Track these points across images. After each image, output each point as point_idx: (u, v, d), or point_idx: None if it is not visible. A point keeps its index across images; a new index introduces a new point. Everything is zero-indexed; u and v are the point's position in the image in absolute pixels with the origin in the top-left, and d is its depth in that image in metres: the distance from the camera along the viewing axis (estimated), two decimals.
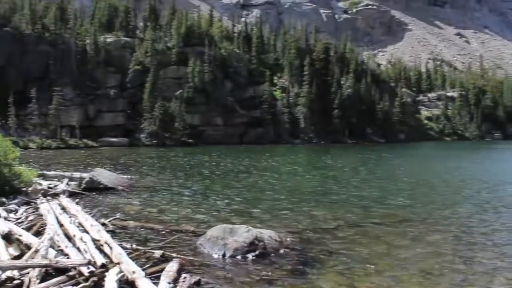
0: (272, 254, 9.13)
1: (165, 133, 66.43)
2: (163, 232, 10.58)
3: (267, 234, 9.75)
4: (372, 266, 8.47)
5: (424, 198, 17.28)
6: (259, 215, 13.09)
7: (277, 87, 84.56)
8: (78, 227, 9.52)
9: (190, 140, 67.42)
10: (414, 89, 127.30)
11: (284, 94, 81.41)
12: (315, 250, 9.57)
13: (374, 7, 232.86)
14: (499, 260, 8.90)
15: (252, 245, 9.19)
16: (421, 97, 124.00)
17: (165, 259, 8.18)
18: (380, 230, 11.42)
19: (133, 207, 13.92)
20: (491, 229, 11.58)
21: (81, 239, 8.35)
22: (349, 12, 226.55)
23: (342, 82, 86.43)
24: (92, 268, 6.81)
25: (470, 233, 11.15)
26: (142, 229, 10.80)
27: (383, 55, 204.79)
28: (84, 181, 17.47)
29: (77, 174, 19.62)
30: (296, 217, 12.86)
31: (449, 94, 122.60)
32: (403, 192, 18.44)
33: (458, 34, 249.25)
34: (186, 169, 28.21)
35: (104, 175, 18.57)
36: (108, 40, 75.55)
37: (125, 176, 21.33)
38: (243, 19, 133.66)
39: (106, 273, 6.80)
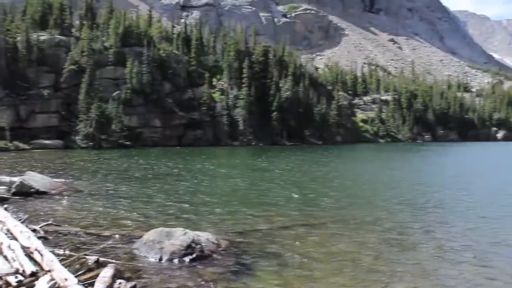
0: (209, 257, 9.16)
1: (101, 135, 64.60)
2: (98, 237, 10.38)
3: (204, 237, 9.76)
4: (306, 267, 8.69)
5: (355, 199, 17.82)
6: (196, 218, 13.06)
7: (216, 89, 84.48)
8: (6, 234, 9.14)
9: (128, 142, 65.99)
10: (350, 92, 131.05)
11: (223, 96, 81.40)
12: (252, 252, 9.68)
13: (313, 11, 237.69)
14: (424, 260, 9.36)
15: (189, 248, 9.17)
16: (356, 100, 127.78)
17: (100, 265, 8.01)
18: (313, 231, 11.68)
19: (66, 212, 13.53)
20: (421, 229, 12.13)
21: (9, 246, 8.00)
22: (288, 16, 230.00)
23: (280, 85, 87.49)
24: (20, 277, 6.57)
25: (399, 233, 11.64)
26: (76, 235, 10.53)
27: (321, 58, 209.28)
28: (14, 186, 16.76)
29: (6, 178, 18.74)
30: (232, 220, 12.96)
31: (383, 97, 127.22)
32: (335, 194, 18.95)
33: (391, 40, 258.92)
34: (121, 172, 27.64)
35: (36, 179, 17.88)
36: (42, 38, 72.51)
37: (59, 180, 20.60)
38: (182, 20, 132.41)
39: (35, 282, 6.57)
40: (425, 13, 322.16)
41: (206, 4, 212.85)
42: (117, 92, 70.53)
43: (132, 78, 72.34)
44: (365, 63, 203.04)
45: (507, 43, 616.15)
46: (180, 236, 9.44)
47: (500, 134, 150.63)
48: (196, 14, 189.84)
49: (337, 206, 15.72)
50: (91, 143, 62.94)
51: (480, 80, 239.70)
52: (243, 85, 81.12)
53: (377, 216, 13.84)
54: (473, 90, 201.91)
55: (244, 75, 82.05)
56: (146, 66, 74.04)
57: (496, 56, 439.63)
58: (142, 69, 73.37)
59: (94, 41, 74.55)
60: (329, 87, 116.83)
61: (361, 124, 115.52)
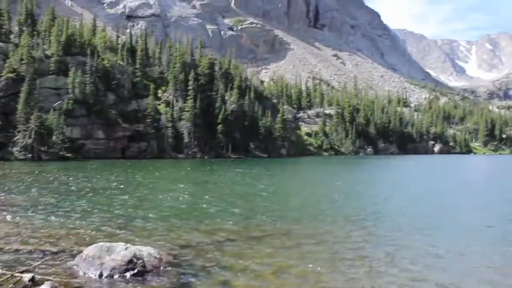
0: (152, 272, 9.05)
1: (41, 146, 62.35)
2: (35, 253, 10.08)
3: (146, 251, 9.62)
4: (251, 281, 8.76)
5: (298, 212, 18.11)
6: (138, 233, 12.89)
7: (161, 101, 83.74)
8: None
9: (69, 154, 64.07)
10: (295, 106, 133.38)
11: (168, 108, 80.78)
12: (195, 266, 9.66)
13: (259, 25, 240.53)
14: (369, 271, 9.69)
15: (130, 263, 9.01)
16: (301, 114, 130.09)
17: (36, 283, 7.79)
18: (257, 245, 11.76)
19: (1, 227, 13.06)
20: (355, 241, 12.52)
21: None
22: (235, 29, 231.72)
23: (226, 97, 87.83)
24: None
25: (343, 245, 11.97)
26: (10, 251, 10.19)
27: (266, 72, 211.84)
28: None
29: None
30: (175, 234, 12.86)
31: (327, 111, 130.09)
32: (278, 207, 19.21)
33: (335, 55, 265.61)
34: (60, 185, 26.84)
35: None
36: None
37: None
38: (128, 30, 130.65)
39: None
40: (367, 30, 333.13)
41: (152, 15, 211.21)
42: (58, 102, 68.52)
43: (75, 88, 70.49)
44: (309, 77, 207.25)
45: (441, 61, 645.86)
46: (121, 251, 9.27)
47: (436, 148, 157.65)
48: (141, 24, 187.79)
49: (280, 219, 15.88)
50: (30, 155, 60.59)
51: (418, 96, 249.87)
52: (189, 97, 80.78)
53: (321, 229, 14.08)
54: (412, 105, 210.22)
55: (190, 87, 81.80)
56: (89, 76, 72.40)
57: (432, 73, 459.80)
58: (85, 79, 71.64)
59: (34, 48, 72.18)
60: (274, 101, 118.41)
61: (305, 137, 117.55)
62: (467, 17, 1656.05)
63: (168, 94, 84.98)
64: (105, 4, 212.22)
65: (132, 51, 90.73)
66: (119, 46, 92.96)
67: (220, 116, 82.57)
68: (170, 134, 77.23)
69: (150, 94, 79.25)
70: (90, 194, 22.31)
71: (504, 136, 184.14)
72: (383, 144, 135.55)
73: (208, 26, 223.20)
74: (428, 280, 9.08)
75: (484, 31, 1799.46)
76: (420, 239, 12.86)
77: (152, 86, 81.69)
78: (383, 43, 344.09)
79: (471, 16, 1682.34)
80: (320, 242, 12.25)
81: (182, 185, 28.54)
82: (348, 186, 30.46)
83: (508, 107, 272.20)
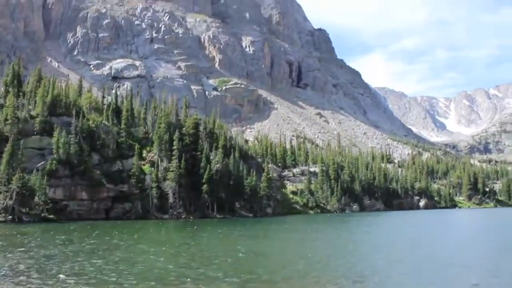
0: None
1: (22, 208, 61.44)
2: None
3: None
4: None
5: (288, 275, 17.98)
6: None
7: (146, 161, 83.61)
8: None
9: (51, 216, 63.12)
10: (280, 164, 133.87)
11: (153, 169, 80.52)
12: None
13: (243, 85, 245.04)
14: None
15: None
16: (286, 172, 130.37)
17: None
18: None
19: None
20: None
21: None
22: (219, 89, 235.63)
23: (211, 157, 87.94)
24: None
25: None
26: None
27: (250, 131, 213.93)
28: None
29: None
30: None
31: (311, 169, 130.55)
32: (263, 271, 19.05)
33: (318, 114, 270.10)
34: (34, 248, 26.19)
35: None
36: None
37: None
38: (113, 91, 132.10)
39: None
40: (349, 89, 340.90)
41: (138, 76, 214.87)
42: (42, 162, 68.10)
43: (59, 148, 70.19)
44: (293, 136, 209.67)
45: (422, 118, 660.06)
46: None
47: (422, 203, 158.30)
48: (127, 85, 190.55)
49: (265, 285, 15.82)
50: (10, 217, 59.47)
51: (401, 152, 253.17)
52: (173, 157, 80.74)
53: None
54: (395, 161, 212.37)
55: (175, 147, 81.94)
56: (74, 136, 72.39)
57: (414, 129, 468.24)
58: (69, 139, 71.55)
59: (19, 109, 72.41)
60: (259, 160, 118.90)
61: (291, 195, 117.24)
62: (443, 75, 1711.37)
63: (153, 154, 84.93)
64: (91, 66, 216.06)
65: (117, 111, 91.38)
66: (105, 106, 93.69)
67: (205, 176, 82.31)
68: (155, 195, 76.54)
69: (134, 154, 79.12)
70: (60, 258, 21.79)
71: (487, 189, 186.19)
72: (368, 201, 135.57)
73: (192, 87, 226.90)
74: None
75: (460, 88, 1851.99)
76: None
77: (137, 146, 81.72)
78: (364, 101, 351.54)
79: (447, 75, 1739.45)
80: None
81: (159, 247, 28.17)
82: (341, 245, 30.38)
83: (489, 161, 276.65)
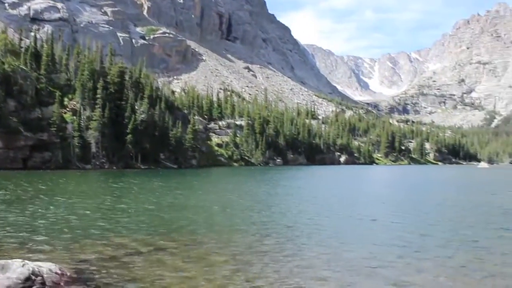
0: None
1: None
2: None
3: (46, 268, 9.16)
4: None
5: (207, 223, 18.66)
6: (38, 248, 12.50)
7: (68, 109, 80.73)
8: None
9: None
10: (206, 116, 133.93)
11: (75, 117, 77.98)
12: (99, 280, 9.57)
13: (171, 35, 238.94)
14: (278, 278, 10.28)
15: (28, 281, 8.51)
16: (212, 125, 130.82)
17: None
18: (164, 256, 11.98)
19: None
20: (259, 251, 13.24)
21: None
22: (147, 38, 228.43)
23: (136, 107, 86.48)
24: None
25: (249, 253, 12.60)
26: None
27: (178, 82, 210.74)
28: None
29: None
30: (79, 248, 12.70)
31: (237, 122, 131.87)
32: (187, 218, 19.63)
33: (246, 68, 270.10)
34: None
35: None
36: None
37: None
38: (32, 33, 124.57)
39: None
40: (278, 44, 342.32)
41: (60, 19, 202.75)
42: None
43: None
44: (221, 89, 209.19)
45: (348, 76, 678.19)
46: (18, 269, 8.70)
47: (342, 158, 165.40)
48: (48, 28, 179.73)
49: (189, 230, 16.23)
50: None
51: (326, 109, 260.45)
52: (97, 106, 78.60)
53: (227, 240, 14.57)
54: (320, 117, 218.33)
55: (98, 96, 79.66)
56: None
57: (339, 87, 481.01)
58: None
59: None
60: (185, 111, 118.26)
61: (216, 148, 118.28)
62: (370, 36, 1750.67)
63: (75, 102, 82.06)
64: (6, 4, 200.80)
65: (36, 56, 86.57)
66: (22, 50, 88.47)
67: (130, 126, 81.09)
68: (76, 144, 74.48)
69: (55, 102, 76.02)
70: None
71: (403, 147, 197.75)
72: (292, 155, 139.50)
73: (119, 34, 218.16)
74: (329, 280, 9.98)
75: (385, 49, 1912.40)
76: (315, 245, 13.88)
77: (58, 93, 78.37)
78: (293, 57, 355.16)
79: (373, 35, 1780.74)
80: (224, 252, 12.65)
81: (85, 197, 28.04)
82: (262, 196, 31.48)
83: (406, 121, 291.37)
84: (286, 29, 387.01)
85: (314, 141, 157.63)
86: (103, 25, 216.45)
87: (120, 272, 10.23)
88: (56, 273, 9.12)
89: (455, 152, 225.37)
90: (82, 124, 77.30)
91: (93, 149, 76.37)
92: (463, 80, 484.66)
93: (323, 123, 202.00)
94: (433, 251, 12.90)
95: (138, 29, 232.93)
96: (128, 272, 10.28)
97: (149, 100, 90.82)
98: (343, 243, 14.23)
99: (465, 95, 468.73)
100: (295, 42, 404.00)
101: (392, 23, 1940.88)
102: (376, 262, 11.48)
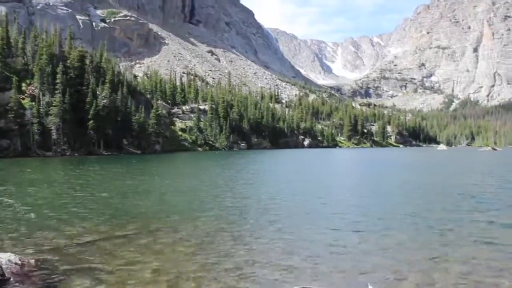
0: (10, 280, 8.55)
1: None
2: None
3: (5, 258, 9.07)
4: (120, 281, 8.88)
5: (169, 209, 18.63)
6: None
7: (26, 95, 78.52)
8: None
9: None
10: (169, 101, 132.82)
11: (33, 103, 75.97)
12: (61, 269, 9.49)
13: (133, 18, 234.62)
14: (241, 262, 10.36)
15: None
16: (175, 109, 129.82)
17: None
18: (125, 243, 11.90)
19: None
20: (220, 240, 13.33)
21: None
22: (107, 21, 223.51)
23: (97, 92, 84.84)
24: None
25: (211, 239, 12.67)
26: None
27: (140, 67, 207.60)
28: None
29: None
30: (39, 237, 12.51)
31: (201, 107, 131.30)
32: (148, 204, 19.51)
33: (210, 51, 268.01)
34: None
35: None
36: None
37: None
38: None
39: None
40: (241, 28, 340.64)
41: (14, 0, 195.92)
42: None
43: None
44: (184, 73, 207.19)
45: (311, 60, 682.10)
46: None
47: (306, 142, 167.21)
48: (1, 10, 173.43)
49: (149, 216, 16.18)
50: None
51: (289, 93, 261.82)
52: (57, 91, 76.71)
53: (189, 224, 14.49)
54: (283, 101, 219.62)
55: (58, 81, 77.73)
56: None
57: (302, 71, 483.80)
58: None
59: None
60: (148, 96, 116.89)
61: (180, 133, 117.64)
62: (332, 20, 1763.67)
63: (33, 88, 79.87)
64: None
65: None
66: None
67: (91, 112, 79.63)
68: (36, 131, 72.68)
69: (12, 87, 73.81)
70: None
71: (365, 131, 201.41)
72: (256, 139, 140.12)
73: (78, 17, 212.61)
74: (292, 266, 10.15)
75: (347, 33, 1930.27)
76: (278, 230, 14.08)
77: (14, 78, 76.08)
78: (256, 41, 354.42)
79: (336, 20, 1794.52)
80: (187, 239, 12.61)
81: (45, 185, 27.53)
82: (224, 179, 31.59)
83: (369, 105, 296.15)
84: (250, 13, 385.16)
85: (278, 125, 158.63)
86: (61, 7, 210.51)
87: (83, 261, 10.18)
88: (16, 263, 8.99)
89: (415, 135, 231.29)
90: (42, 110, 75.44)
91: (54, 135, 74.70)
92: (423, 64, 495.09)
93: (286, 107, 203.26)
94: (396, 233, 13.30)
95: (99, 12, 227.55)
96: (91, 260, 10.22)
97: (111, 85, 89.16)
98: (303, 229, 14.46)
99: (425, 79, 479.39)
100: (259, 26, 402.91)
101: (355, 7, 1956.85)
102: (337, 248, 11.75)
